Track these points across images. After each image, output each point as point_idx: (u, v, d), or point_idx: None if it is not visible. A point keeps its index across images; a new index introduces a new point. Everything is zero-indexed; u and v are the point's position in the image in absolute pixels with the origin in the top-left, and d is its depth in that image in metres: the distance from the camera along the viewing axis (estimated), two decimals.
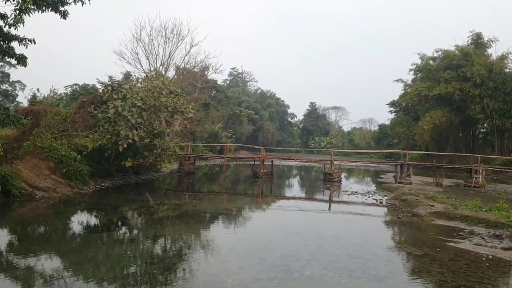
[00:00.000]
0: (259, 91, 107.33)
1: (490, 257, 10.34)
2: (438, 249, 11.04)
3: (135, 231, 13.30)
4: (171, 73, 45.35)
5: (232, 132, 66.50)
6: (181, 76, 46.17)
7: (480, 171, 29.41)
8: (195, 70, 48.74)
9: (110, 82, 24.92)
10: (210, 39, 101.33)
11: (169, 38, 42.99)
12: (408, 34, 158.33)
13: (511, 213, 15.65)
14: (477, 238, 12.31)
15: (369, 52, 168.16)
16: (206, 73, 51.52)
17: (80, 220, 14.51)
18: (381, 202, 20.90)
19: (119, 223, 14.63)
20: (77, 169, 20.10)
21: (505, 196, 23.60)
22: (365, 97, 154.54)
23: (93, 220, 15.20)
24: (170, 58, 43.39)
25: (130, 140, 21.22)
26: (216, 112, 58.60)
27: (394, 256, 10.83)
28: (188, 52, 44.78)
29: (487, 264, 9.79)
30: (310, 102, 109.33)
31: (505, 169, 35.86)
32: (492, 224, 14.17)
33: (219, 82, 70.78)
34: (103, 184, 22.07)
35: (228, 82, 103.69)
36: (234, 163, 50.36)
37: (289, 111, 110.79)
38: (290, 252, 10.40)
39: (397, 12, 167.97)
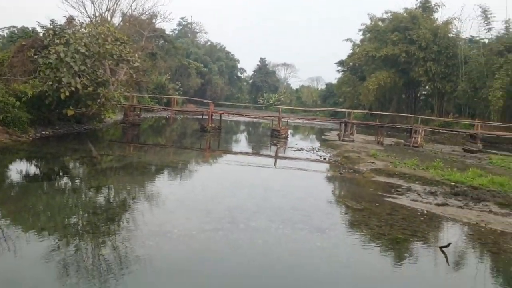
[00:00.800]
0: (209, 43, 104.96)
1: (425, 212, 10.93)
2: (377, 204, 11.54)
3: (77, 181, 12.92)
4: (117, 20, 43.33)
5: (179, 85, 65.13)
6: (127, 23, 44.10)
7: (420, 132, 30.74)
8: (142, 17, 46.70)
9: (51, 26, 23.34)
10: None
11: None
12: None
13: (446, 171, 16.60)
14: (413, 195, 12.94)
15: (320, 10, 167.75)
16: (154, 21, 49.53)
17: (18, 169, 13.85)
18: (324, 159, 21.45)
19: (61, 172, 14.14)
20: (16, 116, 19.00)
21: (441, 155, 24.95)
22: (315, 56, 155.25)
23: (33, 169, 14.60)
24: (117, 4, 41.29)
25: (72, 88, 20.22)
26: (164, 63, 56.89)
27: (335, 210, 11.24)
28: None
29: (422, 218, 10.36)
30: (260, 58, 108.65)
31: (442, 130, 37.68)
32: (428, 182, 14.98)
33: (167, 32, 68.41)
34: (43, 132, 21.10)
35: (176, 32, 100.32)
36: (181, 116, 49.67)
37: (239, 66, 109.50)
38: (237, 205, 10.52)
39: None
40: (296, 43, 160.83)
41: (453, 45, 50.32)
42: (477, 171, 16.53)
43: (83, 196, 11.00)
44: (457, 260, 7.99)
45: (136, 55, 26.09)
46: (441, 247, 8.23)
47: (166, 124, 38.61)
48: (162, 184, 13.29)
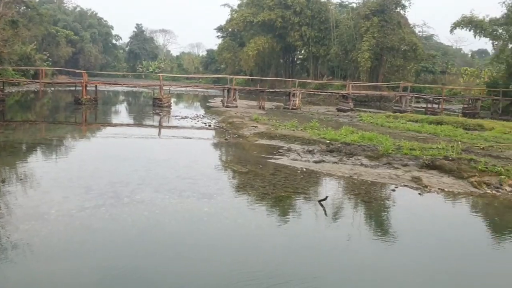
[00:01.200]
0: (78, 9, 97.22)
1: (304, 170, 11.55)
2: (260, 166, 11.91)
3: None
4: None
5: (48, 55, 59.89)
6: None
7: (297, 95, 32.20)
8: None
9: None
10: None
11: None
12: None
13: (321, 131, 17.65)
14: (293, 154, 13.57)
15: None
16: None
17: None
18: (209, 126, 21.51)
19: None
20: None
21: (317, 116, 26.46)
22: (194, 22, 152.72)
23: None
24: None
25: None
26: (28, 31, 51.48)
27: (222, 175, 11.38)
28: None
29: (302, 176, 10.94)
30: (137, 24, 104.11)
31: (318, 92, 39.89)
32: (306, 141, 15.81)
33: None
34: None
35: None
36: (52, 89, 45.96)
37: (114, 32, 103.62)
38: (119, 179, 10.11)
39: None
40: (174, 9, 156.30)
41: (325, 10, 52.91)
42: (349, 129, 17.86)
43: None
44: (334, 211, 8.61)
45: None
46: (319, 201, 8.81)
47: (35, 98, 35.40)
48: (35, 163, 12.22)
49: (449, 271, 6.29)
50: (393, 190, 9.94)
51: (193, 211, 8.12)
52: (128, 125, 22.57)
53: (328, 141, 15.49)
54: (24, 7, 55.07)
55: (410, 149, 13.20)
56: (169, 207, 8.21)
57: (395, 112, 29.81)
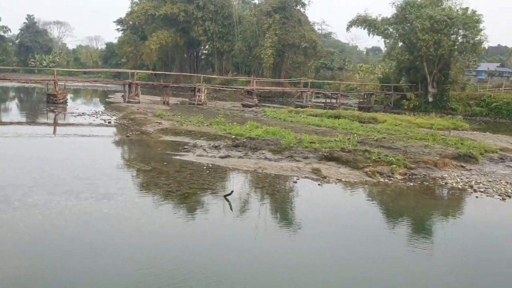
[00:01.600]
0: None
1: (210, 165, 11.48)
2: (165, 163, 11.63)
3: None
4: None
5: None
6: None
7: (202, 90, 31.98)
8: None
9: None
10: None
11: None
12: None
13: (227, 126, 17.69)
14: (199, 150, 13.45)
15: None
16: None
17: None
18: (109, 122, 20.59)
19: None
20: None
21: (223, 111, 26.51)
22: (92, 13, 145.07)
23: None
24: None
25: None
26: None
27: (123, 174, 10.92)
28: None
29: (208, 172, 10.86)
30: (28, 15, 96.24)
31: (223, 87, 40.01)
32: (212, 137, 15.75)
33: None
34: None
35: None
36: None
37: (1, 23, 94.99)
38: (9, 181, 9.26)
39: None
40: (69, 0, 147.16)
41: (228, 5, 53.13)
42: (254, 124, 18.10)
43: None
44: (240, 205, 8.66)
45: None
46: (225, 196, 8.80)
47: None
48: None
49: (351, 255, 6.62)
50: (295, 182, 10.25)
51: (92, 213, 7.68)
52: (19, 123, 20.83)
53: (233, 136, 15.56)
54: None
55: (310, 142, 13.70)
56: (65, 210, 7.68)
57: (297, 107, 30.83)
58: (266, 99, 40.86)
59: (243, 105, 32.93)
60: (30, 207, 7.66)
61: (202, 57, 63.00)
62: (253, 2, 53.63)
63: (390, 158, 11.62)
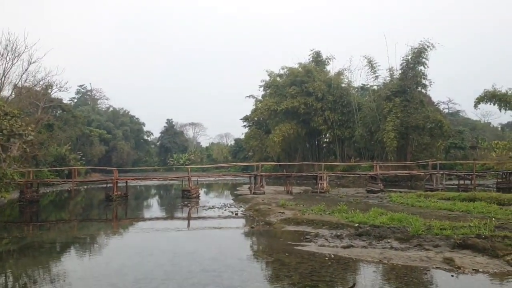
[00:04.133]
0: (111, 109, 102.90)
1: (332, 256, 11.21)
2: (287, 254, 11.64)
3: None
4: (7, 92, 40.92)
5: (81, 154, 62.47)
6: (19, 95, 41.93)
7: (325, 177, 32.08)
8: (37, 88, 44.74)
9: None
10: (54, 55, 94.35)
11: (2, 55, 38.81)
12: (258, 51, 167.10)
13: (350, 214, 17.31)
14: (321, 240, 13.27)
15: (223, 69, 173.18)
16: (49, 91, 47.61)
17: None
18: (236, 214, 21.44)
19: None
20: None
21: (345, 199, 26.11)
22: (222, 113, 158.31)
23: None
24: (5, 77, 39.15)
25: None
26: (63, 133, 54.47)
27: (247, 265, 11.12)
28: (26, 69, 40.92)
29: (329, 263, 10.60)
30: (167, 119, 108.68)
31: (345, 174, 39.71)
32: (334, 226, 15.48)
33: (65, 101, 66.10)
34: None
35: (75, 100, 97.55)
36: (85, 187, 47.24)
37: (145, 128, 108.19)
38: (144, 275, 10.02)
39: (247, 29, 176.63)
40: (202, 103, 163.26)
41: (346, 94, 54.27)
42: (378, 210, 17.45)
43: None
44: None
45: (29, 128, 24.68)
46: None
47: (69, 197, 36.37)
48: (65, 262, 12.32)
49: None
50: (425, 274, 9.47)
51: None
52: (157, 218, 22.73)
53: (356, 225, 15.13)
54: (60, 111, 58.71)
55: (441, 229, 12.73)
56: None
57: (426, 191, 29.14)
58: (392, 183, 39.40)
59: (367, 191, 32.10)
60: None
61: (324, 145, 63.88)
62: (372, 88, 54.01)
63: None
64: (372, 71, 52.23)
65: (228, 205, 25.74)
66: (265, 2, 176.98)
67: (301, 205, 21.63)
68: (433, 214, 17.67)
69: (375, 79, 52.76)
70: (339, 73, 56.18)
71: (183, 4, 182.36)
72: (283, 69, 58.10)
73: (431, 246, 11.34)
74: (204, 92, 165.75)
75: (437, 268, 9.80)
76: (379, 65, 52.00)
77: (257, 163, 36.03)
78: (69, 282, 9.71)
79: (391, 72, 50.27)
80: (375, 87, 53.93)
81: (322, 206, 19.79)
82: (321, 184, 31.51)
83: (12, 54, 39.24)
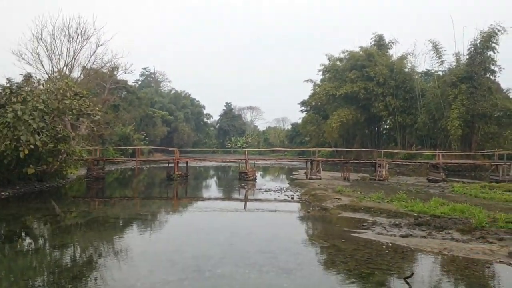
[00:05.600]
0: (173, 91, 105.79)
1: (390, 244, 11.09)
2: (343, 240, 11.64)
3: (40, 241, 12.55)
4: (76, 74, 43.14)
5: (145, 134, 64.86)
6: (87, 77, 44.08)
7: (384, 165, 31.42)
8: (103, 70, 46.80)
9: (8, 84, 23.12)
10: (120, 38, 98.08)
11: (73, 38, 40.83)
12: (317, 35, 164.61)
13: (409, 203, 16.93)
14: (379, 228, 13.12)
15: (282, 52, 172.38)
16: (115, 73, 49.63)
17: None
18: (292, 198, 21.57)
19: (22, 233, 13.69)
20: None
21: (405, 187, 25.49)
22: (279, 97, 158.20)
23: None
24: (75, 59, 41.22)
25: (32, 146, 19.88)
26: (127, 113, 56.77)
27: (302, 249, 11.25)
28: (94, 52, 42.85)
29: (387, 251, 10.50)
30: (226, 103, 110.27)
31: (406, 162, 38.63)
32: (392, 214, 15.24)
33: (130, 83, 68.61)
34: (2, 193, 20.48)
35: (140, 82, 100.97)
36: (148, 166, 49.19)
37: (205, 111, 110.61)
38: (202, 252, 10.41)
39: (307, 14, 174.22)
40: (261, 87, 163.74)
41: (409, 79, 52.40)
42: (439, 200, 16.95)
43: (47, 256, 10.68)
44: None
45: (97, 108, 25.96)
46: (405, 278, 8.35)
47: (132, 176, 38.08)
48: (127, 237, 13.03)
49: None
50: (488, 267, 9.16)
51: (272, 286, 8.08)
52: (215, 198, 23.35)
53: (416, 214, 14.81)
54: (125, 92, 61.10)
55: (507, 222, 12.19)
56: (249, 282, 8.25)
57: (491, 182, 27.82)
58: (455, 173, 37.89)
59: (428, 180, 31.12)
60: (218, 278, 8.44)
61: (384, 132, 62.31)
62: (436, 73, 51.78)
63: None
64: (437, 55, 49.97)
65: (284, 189, 25.91)
66: None
67: (359, 192, 21.40)
68: (498, 206, 16.91)
69: (440, 64, 50.51)
70: (402, 58, 54.22)
71: None
72: (343, 52, 56.89)
73: (495, 239, 10.92)
74: (262, 76, 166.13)
75: (500, 262, 9.45)
76: (445, 50, 49.66)
77: (314, 148, 35.88)
78: (131, 257, 10.29)
79: (458, 57, 47.83)
80: (440, 73, 51.64)
81: (380, 194, 19.49)
82: (380, 171, 30.91)
83: (81, 37, 41.26)
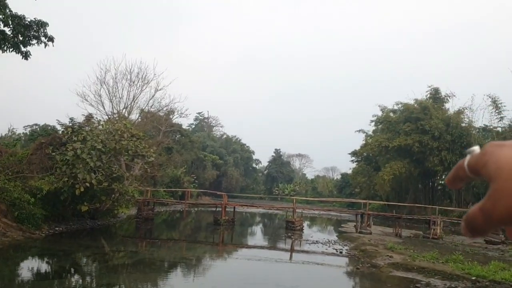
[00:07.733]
0: (225, 136, 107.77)
1: None
2: None
3: (88, 279, 12.75)
4: (134, 116, 45.09)
5: (195, 177, 65.83)
6: (145, 119, 45.90)
7: (438, 223, 30.03)
8: (160, 113, 48.64)
9: (70, 124, 24.45)
10: (176, 83, 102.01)
11: (134, 82, 43.02)
12: (368, 85, 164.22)
13: (466, 265, 15.93)
14: None
15: (332, 101, 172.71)
16: (171, 116, 51.46)
17: (29, 267, 13.78)
18: (341, 252, 20.89)
19: (72, 270, 13.99)
20: (30, 212, 19.21)
21: (461, 248, 24.11)
22: (328, 146, 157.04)
23: (44, 267, 14.48)
24: (134, 101, 43.26)
25: (87, 184, 20.64)
26: (180, 156, 58.13)
27: None
28: (152, 96, 44.84)
29: None
30: (275, 149, 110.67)
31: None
32: (448, 276, 14.36)
33: (184, 126, 70.61)
34: (56, 228, 21.18)
35: (193, 126, 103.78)
36: (196, 209, 49.59)
37: (254, 157, 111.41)
38: None
39: (358, 63, 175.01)
40: (310, 135, 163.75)
41: (466, 134, 50.70)
42: (500, 264, 15.84)
43: None
44: None
45: (151, 150, 26.77)
46: None
47: (180, 218, 38.45)
48: (173, 281, 12.99)
49: None
50: None
51: None
52: (261, 247, 23.02)
53: (473, 278, 13.88)
54: (179, 135, 62.89)
55: None
56: None
57: None
58: None
59: (486, 242, 29.27)
60: None
61: (438, 187, 59.94)
62: (495, 130, 49.89)
63: None
64: (497, 111, 48.33)
65: (332, 241, 25.19)
66: (382, 36, 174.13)
67: (411, 250, 20.41)
68: None
69: (500, 120, 48.70)
70: (459, 112, 52.79)
71: (294, 35, 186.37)
72: (397, 104, 56.23)
73: None
74: (313, 125, 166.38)
75: None
76: (504, 105, 48.00)
77: (364, 201, 34.93)
78: None
79: None
80: (499, 129, 49.71)
81: (434, 254, 18.48)
82: (434, 229, 29.53)
83: (142, 82, 43.33)
